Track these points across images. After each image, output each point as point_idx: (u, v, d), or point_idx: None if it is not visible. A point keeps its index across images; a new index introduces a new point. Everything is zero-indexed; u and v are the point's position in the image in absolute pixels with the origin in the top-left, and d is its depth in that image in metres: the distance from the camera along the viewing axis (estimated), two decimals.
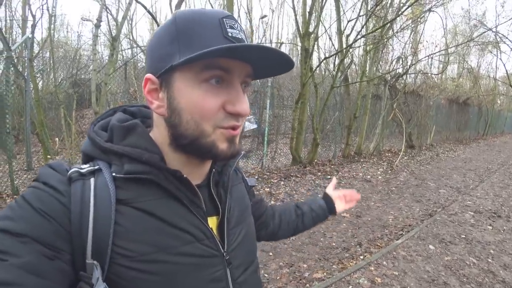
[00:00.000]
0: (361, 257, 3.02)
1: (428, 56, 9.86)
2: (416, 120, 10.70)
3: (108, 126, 0.53)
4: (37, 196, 0.42)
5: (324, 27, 7.67)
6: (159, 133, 0.51)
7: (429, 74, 11.70)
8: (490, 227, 3.87)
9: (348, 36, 6.95)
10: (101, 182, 0.46)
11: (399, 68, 9.01)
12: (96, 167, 0.48)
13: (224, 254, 0.52)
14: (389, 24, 7.24)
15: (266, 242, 3.33)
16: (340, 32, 7.68)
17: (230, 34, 0.45)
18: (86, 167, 0.47)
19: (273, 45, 11.57)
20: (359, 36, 6.46)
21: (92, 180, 0.46)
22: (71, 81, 9.09)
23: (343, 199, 0.95)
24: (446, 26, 14.75)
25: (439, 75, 13.02)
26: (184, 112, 0.46)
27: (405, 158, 8.79)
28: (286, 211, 0.88)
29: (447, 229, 3.75)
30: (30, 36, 5.18)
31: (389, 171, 7.04)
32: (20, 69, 6.25)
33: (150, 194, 0.47)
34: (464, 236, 3.55)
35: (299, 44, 6.61)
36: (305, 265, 2.86)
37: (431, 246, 3.26)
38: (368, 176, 6.45)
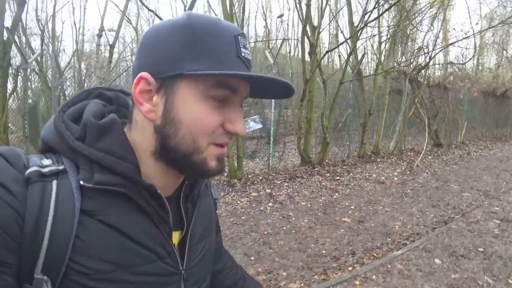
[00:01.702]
0: (350, 268, 2.65)
1: (450, 44, 8.95)
2: (444, 116, 9.81)
3: (79, 116, 0.48)
4: None
5: (337, 19, 7.22)
6: (141, 138, 0.47)
7: (459, 65, 10.66)
8: None
9: (356, 27, 6.47)
10: (65, 188, 0.41)
11: (420, 58, 8.28)
12: (61, 167, 0.42)
13: (182, 272, 0.51)
14: (405, 13, 6.66)
15: (251, 245, 3.13)
16: (351, 25, 7.23)
17: (243, 55, 0.45)
18: (48, 165, 0.41)
19: (279, 42, 11.29)
20: (371, 19, 5.93)
21: (54, 183, 0.41)
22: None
23: None
24: (480, 13, 13.39)
25: (472, 66, 11.88)
26: (182, 125, 0.44)
27: (429, 157, 8.08)
28: (233, 271, 0.75)
29: (462, 240, 3.22)
30: (50, 51, 5.41)
31: (408, 172, 6.45)
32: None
33: (118, 207, 0.44)
34: (482, 250, 3.01)
35: (306, 40, 6.23)
36: (284, 273, 2.63)
37: (437, 260, 2.79)
38: (382, 178, 5.96)
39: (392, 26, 6.38)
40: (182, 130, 0.43)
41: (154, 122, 0.45)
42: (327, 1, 6.31)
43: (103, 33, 6.69)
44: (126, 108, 0.54)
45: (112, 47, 5.13)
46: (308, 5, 6.01)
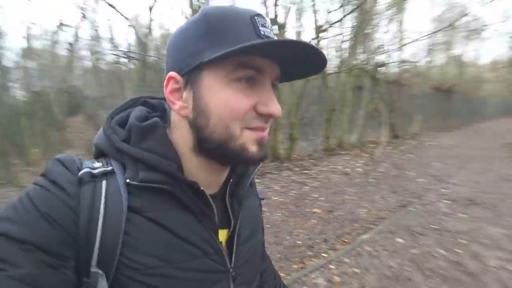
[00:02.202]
0: (324, 254, 2.85)
1: (407, 43, 9.76)
2: (399, 110, 10.61)
3: (125, 121, 0.50)
4: (45, 198, 0.39)
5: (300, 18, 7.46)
6: (180, 136, 0.49)
7: (411, 63, 11.61)
8: (465, 215, 3.73)
9: (320, 28, 6.78)
10: (113, 187, 0.43)
11: (379, 56, 8.89)
12: (109, 168, 0.45)
13: (231, 270, 0.51)
14: (365, 14, 7.09)
15: None
16: (316, 25, 7.53)
17: (262, 33, 0.43)
18: (98, 167, 0.45)
19: None
20: (335, 20, 6.26)
21: (104, 183, 0.43)
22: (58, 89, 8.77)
23: None
24: (431, 14, 14.61)
25: (424, 63, 12.96)
26: (212, 113, 0.44)
27: (388, 148, 8.69)
28: (271, 276, 0.73)
29: (419, 220, 3.59)
30: None
31: (370, 163, 6.91)
32: None
33: (163, 204, 0.45)
34: (435, 227, 3.39)
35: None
36: None
37: (399, 239, 3.10)
38: (347, 169, 6.32)
39: (353, 27, 6.77)
40: (212, 118, 0.44)
41: (188, 117, 0.46)
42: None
43: (60, 28, 6.27)
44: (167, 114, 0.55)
45: (71, 44, 4.84)
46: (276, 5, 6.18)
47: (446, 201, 4.27)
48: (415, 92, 12.01)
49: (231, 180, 0.54)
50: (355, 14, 7.76)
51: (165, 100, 0.53)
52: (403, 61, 10.72)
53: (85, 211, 0.40)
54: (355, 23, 6.58)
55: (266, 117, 0.45)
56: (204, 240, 0.47)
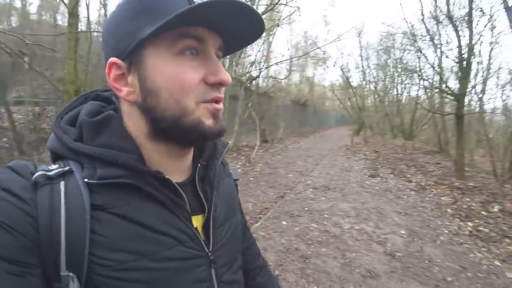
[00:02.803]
0: None
1: (276, 63, 11.46)
2: (268, 118, 12.20)
3: (76, 119, 0.47)
4: None
5: None
6: (133, 125, 0.46)
7: (277, 79, 13.60)
8: (324, 198, 4.80)
9: None
10: (72, 186, 0.40)
11: (253, 71, 10.02)
12: (67, 168, 0.42)
13: (209, 254, 0.49)
14: None
15: None
16: None
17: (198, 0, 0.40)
18: (54, 169, 0.41)
19: None
20: None
21: (62, 184, 0.40)
22: None
23: None
24: (291, 41, 17.65)
25: (286, 80, 15.37)
26: (161, 91, 0.42)
27: (261, 151, 9.84)
28: (254, 257, 0.72)
29: (294, 206, 4.38)
30: None
31: (247, 164, 7.67)
32: None
33: (129, 198, 0.43)
34: (307, 209, 4.24)
35: None
36: None
37: (284, 222, 3.71)
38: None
39: None
40: (163, 96, 0.42)
41: (137, 102, 0.44)
42: None
43: None
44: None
45: None
46: None
47: (311, 189, 5.34)
48: (279, 103, 14.08)
49: (199, 164, 0.53)
50: None
51: None
52: (270, 77, 12.45)
53: (44, 215, 0.38)
54: None
55: (218, 86, 0.44)
56: (177, 229, 0.45)
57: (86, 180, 0.41)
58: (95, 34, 5.47)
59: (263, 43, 10.96)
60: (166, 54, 0.41)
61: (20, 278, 0.35)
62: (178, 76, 0.41)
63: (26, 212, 0.37)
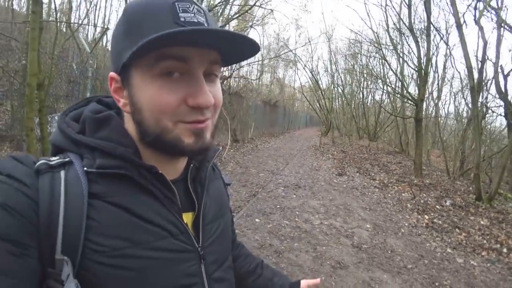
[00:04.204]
0: None
1: (248, 63, 11.51)
2: (239, 118, 12.24)
3: (79, 117, 0.51)
4: (2, 190, 0.38)
5: None
6: (131, 128, 0.49)
7: (249, 79, 13.68)
8: (295, 196, 4.95)
9: None
10: (72, 175, 0.43)
11: (225, 71, 10.00)
12: (67, 159, 0.45)
13: (199, 249, 0.51)
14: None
15: None
16: None
17: (182, 19, 0.41)
18: (55, 159, 0.44)
19: (97, 30, 10.02)
20: None
21: (62, 172, 0.43)
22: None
23: None
24: (262, 43, 17.81)
25: (256, 80, 15.50)
26: (143, 109, 0.44)
27: (232, 151, 9.84)
28: (250, 258, 0.78)
29: (267, 204, 4.46)
30: None
31: (219, 163, 7.65)
32: None
33: (124, 189, 0.45)
34: (279, 206, 4.35)
35: None
36: None
37: (257, 220, 3.77)
38: None
39: None
40: (145, 114, 0.44)
41: (130, 113, 0.47)
42: None
43: None
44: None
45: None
46: None
47: (282, 188, 5.47)
48: (250, 103, 14.17)
49: (192, 165, 0.55)
50: None
51: None
52: (242, 77, 12.50)
53: (44, 199, 0.40)
54: None
55: (198, 109, 0.44)
56: (169, 221, 0.47)
57: (85, 168, 0.44)
58: (60, 24, 5.15)
59: None
60: (146, 75, 0.42)
61: (19, 259, 0.37)
62: (156, 99, 0.42)
63: (28, 196, 0.39)
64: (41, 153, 3.23)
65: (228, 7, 7.94)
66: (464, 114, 11.52)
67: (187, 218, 0.52)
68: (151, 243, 0.45)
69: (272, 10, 7.69)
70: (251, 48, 0.45)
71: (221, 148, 0.60)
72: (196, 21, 0.42)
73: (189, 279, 0.49)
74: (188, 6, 0.42)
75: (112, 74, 0.47)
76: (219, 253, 0.56)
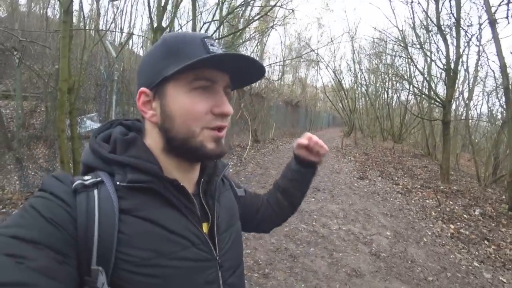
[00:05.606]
0: None
1: (270, 64, 11.50)
2: (260, 118, 12.27)
3: (108, 138, 0.57)
4: (47, 206, 0.44)
5: (180, 24, 7.54)
6: (152, 141, 0.56)
7: (270, 80, 13.68)
8: (313, 199, 4.90)
9: None
10: (104, 194, 0.48)
11: None
12: (99, 179, 0.50)
13: (217, 257, 0.56)
14: (240, 32, 7.92)
15: None
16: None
17: (212, 50, 0.52)
18: (89, 179, 0.49)
19: (124, 35, 10.48)
20: (212, 33, 6.72)
21: (95, 191, 0.48)
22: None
23: (306, 150, 0.84)
24: (284, 43, 17.77)
25: (278, 81, 15.46)
26: (176, 117, 0.52)
27: (252, 151, 9.89)
28: (269, 192, 0.91)
29: None
30: None
31: (239, 164, 7.72)
32: None
33: (150, 203, 0.50)
34: None
35: (152, 37, 6.17)
36: None
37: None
38: None
39: (227, 42, 7.46)
40: (177, 121, 0.52)
41: (157, 123, 0.55)
42: (176, 6, 6.50)
43: None
44: (141, 132, 0.61)
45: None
46: (164, 8, 6.02)
47: None
48: (271, 104, 14.16)
49: (202, 179, 0.62)
50: (227, 29, 8.54)
51: (137, 121, 0.65)
52: (263, 78, 12.51)
53: (82, 216, 0.45)
54: (226, 37, 7.32)
55: (221, 116, 0.54)
56: (190, 232, 0.53)
57: (118, 183, 0.50)
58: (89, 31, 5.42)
59: (257, 45, 11.03)
60: (183, 89, 0.52)
61: (61, 266, 0.41)
62: (190, 108, 0.52)
63: (68, 213, 0.45)
64: (71, 151, 3.42)
65: (249, 8, 7.98)
66: (499, 116, 10.83)
67: (203, 228, 0.57)
68: (176, 253, 0.50)
69: (293, 10, 7.59)
70: (257, 74, 0.58)
71: (230, 164, 0.67)
72: (219, 52, 0.53)
73: (208, 286, 0.54)
74: (213, 42, 0.54)
75: (143, 89, 0.55)
76: (233, 260, 0.61)
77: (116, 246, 0.46)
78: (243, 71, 0.56)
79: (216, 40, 0.62)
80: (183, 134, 0.52)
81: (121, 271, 0.46)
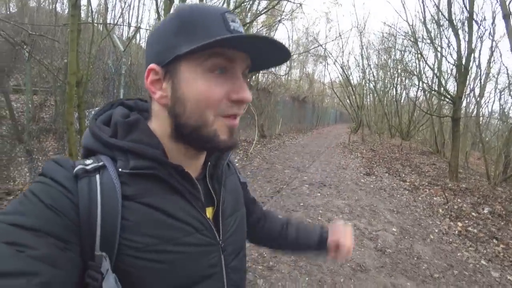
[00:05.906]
0: None
1: None
2: (267, 113, 12.24)
3: (109, 121, 0.54)
4: (47, 192, 0.42)
5: None
6: (158, 125, 0.52)
7: (277, 75, 13.62)
8: (319, 194, 4.89)
9: None
10: (106, 179, 0.46)
11: None
12: (101, 163, 0.48)
13: (220, 242, 0.55)
14: (247, 27, 7.89)
15: None
16: None
17: (232, 28, 0.47)
18: (90, 164, 0.47)
19: (131, 29, 10.53)
20: None
21: (97, 177, 0.46)
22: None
23: (336, 247, 0.83)
24: (291, 37, 17.64)
25: (285, 76, 15.38)
26: (188, 101, 0.47)
27: (258, 146, 9.90)
28: (273, 218, 0.89)
29: (290, 201, 4.46)
30: None
31: (245, 158, 7.74)
32: None
33: (153, 189, 0.49)
34: (302, 204, 4.32)
35: None
36: None
37: (279, 217, 3.78)
38: None
39: None
40: (189, 106, 0.47)
41: (167, 105, 0.50)
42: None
43: None
44: (145, 112, 0.58)
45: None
46: (172, 1, 6.02)
47: (307, 185, 5.42)
48: (278, 99, 14.11)
49: (209, 163, 0.60)
50: None
51: (139, 100, 0.61)
52: (270, 72, 12.46)
53: (83, 202, 0.44)
54: None
55: (239, 103, 0.49)
56: (194, 218, 0.52)
57: (120, 169, 0.48)
58: (96, 25, 5.47)
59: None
60: (197, 69, 0.47)
61: (62, 252, 0.41)
62: (205, 92, 0.47)
63: (69, 199, 0.43)
64: (79, 144, 3.47)
65: (256, 2, 7.92)
66: (511, 114, 10.60)
67: (208, 213, 0.57)
68: (179, 239, 0.49)
69: (300, 4, 7.51)
70: (282, 58, 0.51)
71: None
72: (241, 31, 0.49)
73: (211, 269, 0.54)
74: (234, 18, 0.49)
75: (153, 65, 0.49)
76: (236, 244, 0.61)
77: (119, 232, 0.45)
78: (263, 54, 0.49)
79: (237, 16, 0.52)
80: (195, 121, 0.48)
81: (125, 256, 0.45)
